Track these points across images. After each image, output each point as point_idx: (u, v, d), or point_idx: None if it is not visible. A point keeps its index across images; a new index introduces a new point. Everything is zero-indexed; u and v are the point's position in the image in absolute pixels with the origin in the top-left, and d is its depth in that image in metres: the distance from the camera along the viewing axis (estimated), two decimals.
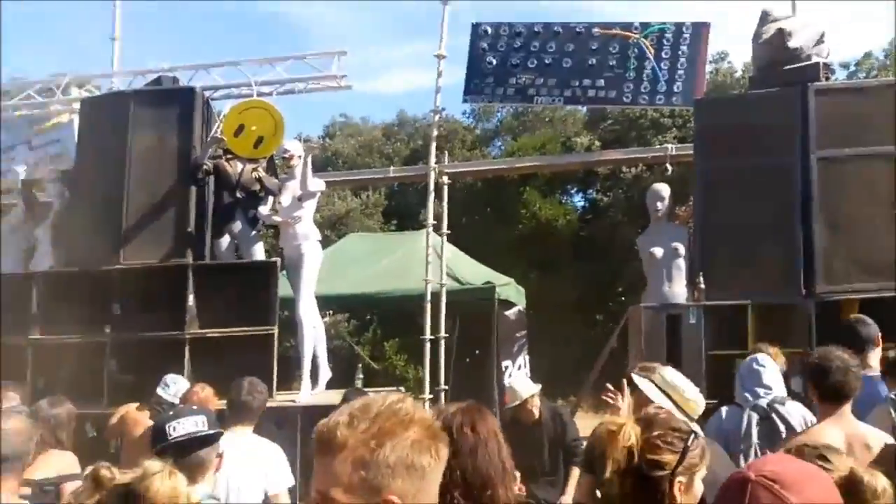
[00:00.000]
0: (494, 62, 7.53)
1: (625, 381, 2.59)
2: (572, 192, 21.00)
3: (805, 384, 3.22)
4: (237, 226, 6.34)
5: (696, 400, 2.46)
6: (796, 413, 3.09)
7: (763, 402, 3.31)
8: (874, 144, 5.74)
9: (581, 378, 9.11)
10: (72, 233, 6.29)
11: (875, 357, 3.62)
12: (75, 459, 3.44)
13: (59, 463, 3.36)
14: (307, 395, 5.87)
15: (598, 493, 1.77)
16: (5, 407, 2.08)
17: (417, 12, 42.04)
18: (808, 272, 5.68)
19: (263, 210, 6.34)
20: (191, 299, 5.79)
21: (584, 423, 5.29)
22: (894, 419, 3.03)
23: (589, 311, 17.26)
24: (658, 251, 6.68)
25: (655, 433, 1.64)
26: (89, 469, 1.67)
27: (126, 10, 8.31)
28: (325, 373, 6.22)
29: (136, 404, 4.49)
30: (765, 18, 6.40)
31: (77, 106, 7.16)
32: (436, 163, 7.82)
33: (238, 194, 6.29)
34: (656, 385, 2.44)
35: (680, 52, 7.27)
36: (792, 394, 3.64)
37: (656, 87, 7.30)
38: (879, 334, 3.80)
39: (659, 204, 6.91)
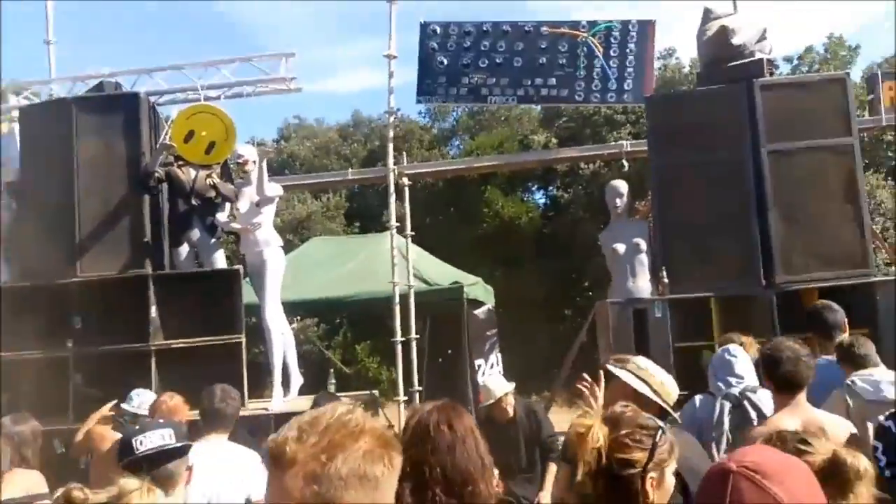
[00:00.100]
0: (446, 62, 7.55)
1: (601, 372, 2.63)
2: (533, 189, 21.17)
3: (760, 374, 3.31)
4: (195, 234, 6.24)
5: (671, 386, 2.51)
6: (767, 401, 3.18)
7: (735, 391, 3.40)
8: (821, 137, 5.91)
9: (552, 373, 9.23)
10: (24, 245, 6.11)
11: None
12: (42, 478, 3.34)
13: (25, 482, 3.26)
14: (279, 402, 5.81)
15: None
16: None
17: (362, 11, 41.74)
18: (766, 263, 5.82)
19: (221, 217, 6.26)
20: (153, 310, 5.68)
21: (559, 419, 5.36)
22: (848, 405, 3.14)
23: (556, 308, 17.37)
24: (620, 247, 6.80)
25: (623, 432, 1.65)
26: (60, 491, 1.61)
27: (59, 11, 8.04)
28: (297, 379, 6.17)
29: (98, 416, 4.38)
30: (707, 16, 6.51)
31: (16, 114, 6.95)
32: (394, 164, 7.81)
33: (194, 201, 6.19)
34: (633, 374, 2.48)
35: (628, 50, 7.43)
36: (763, 383, 3.76)
37: (607, 85, 7.44)
38: (846, 320, 3.93)
39: (618, 200, 7.05)
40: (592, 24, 7.51)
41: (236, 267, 6.14)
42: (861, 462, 1.52)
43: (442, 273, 9.17)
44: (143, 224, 6.05)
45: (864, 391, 3.21)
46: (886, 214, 15.92)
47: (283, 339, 6.08)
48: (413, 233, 7.98)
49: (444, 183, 18.42)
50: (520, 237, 18.46)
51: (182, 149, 6.11)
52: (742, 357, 3.52)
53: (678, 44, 21.88)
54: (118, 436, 3.33)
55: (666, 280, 5.99)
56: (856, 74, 16.99)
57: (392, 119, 7.85)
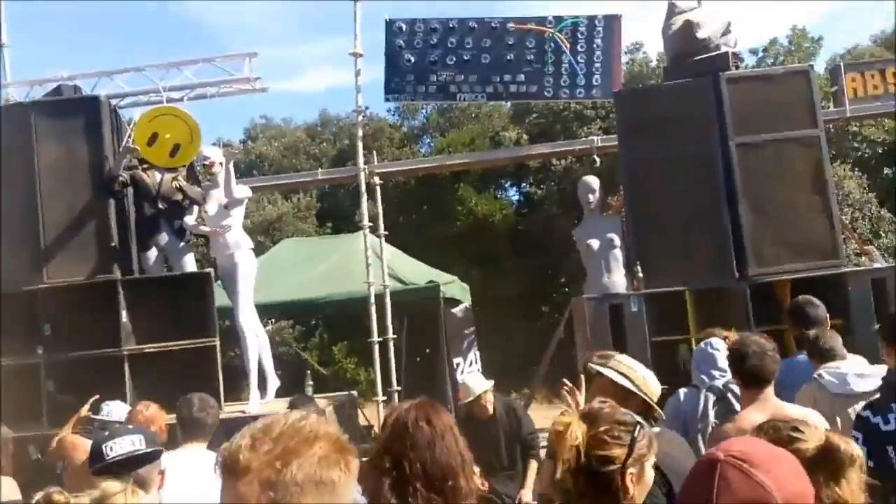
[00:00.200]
0: (413, 59, 7.51)
1: (582, 371, 2.63)
2: (506, 186, 21.22)
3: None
4: (163, 238, 6.16)
5: (653, 383, 2.52)
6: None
7: (719, 384, 3.44)
8: (787, 129, 5.98)
9: (530, 371, 9.27)
10: None
11: None
12: (14, 484, 3.26)
13: None
14: (257, 404, 5.76)
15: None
16: None
17: (325, 10, 41.42)
18: (738, 255, 5.88)
19: (189, 220, 6.20)
20: (124, 315, 5.62)
21: (539, 415, 5.39)
22: (815, 399, 3.17)
23: (533, 304, 17.41)
24: (594, 243, 6.84)
25: (602, 428, 1.65)
26: (39, 495, 1.58)
27: (11, 12, 7.79)
28: (273, 381, 6.13)
29: (74, 421, 4.31)
30: (672, 10, 6.55)
31: None
32: (365, 163, 7.75)
33: (160, 205, 6.11)
34: (616, 371, 2.49)
35: (595, 45, 7.46)
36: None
37: (575, 81, 7.47)
38: (827, 315, 3.97)
39: (590, 196, 7.08)
40: (559, 19, 7.53)
41: (207, 270, 6.08)
42: (853, 448, 1.54)
43: (417, 272, 9.14)
44: (110, 228, 5.95)
45: (831, 384, 3.24)
46: (854, 205, 16.14)
47: (257, 342, 6.03)
48: (386, 232, 7.93)
49: (416, 181, 18.36)
50: (494, 234, 18.48)
51: (146, 152, 6.00)
52: (724, 350, 3.54)
53: (645, 38, 22.07)
54: (90, 443, 3.27)
55: (641, 275, 6.02)
56: (819, 66, 17.32)
57: (361, 118, 7.78)
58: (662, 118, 6.15)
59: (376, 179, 8.18)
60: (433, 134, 22.69)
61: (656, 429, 2.21)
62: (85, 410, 4.36)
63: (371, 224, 7.55)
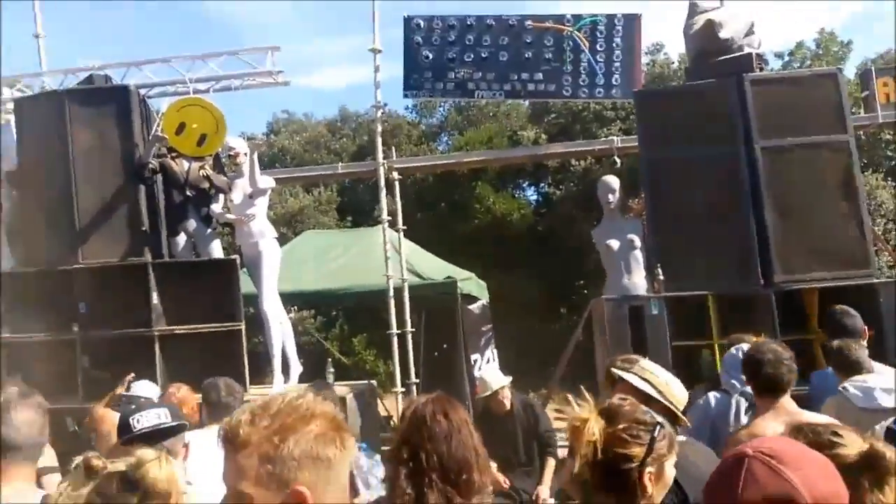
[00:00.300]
0: (431, 56, 7.53)
1: (605, 376, 2.57)
2: (524, 185, 21.14)
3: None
4: (192, 224, 6.31)
5: (678, 389, 2.46)
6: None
7: (749, 389, 3.31)
8: (815, 134, 5.80)
9: (547, 371, 9.24)
10: (26, 233, 6.20)
11: None
12: (52, 452, 3.37)
13: None
14: (280, 388, 5.85)
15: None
16: (12, 396, 2.04)
17: (344, 8, 41.51)
18: (764, 261, 5.70)
19: (216, 208, 6.33)
20: (154, 297, 5.75)
21: (555, 416, 5.39)
22: (841, 413, 3.00)
23: (551, 305, 17.27)
24: (614, 243, 6.83)
25: (621, 426, 1.66)
26: (78, 459, 1.66)
27: (48, 6, 8.07)
28: (296, 367, 6.23)
29: (108, 399, 4.44)
30: (693, 10, 6.42)
31: (11, 106, 6.97)
32: (384, 158, 7.83)
33: (188, 192, 6.26)
34: (639, 376, 2.44)
35: (614, 45, 7.39)
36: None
37: (595, 80, 7.43)
38: (865, 328, 3.87)
39: (610, 196, 7.07)
40: (577, 18, 7.49)
41: (233, 257, 6.18)
42: None
43: (435, 268, 9.19)
44: (141, 213, 6.11)
45: (856, 398, 3.15)
46: (887, 216, 15.51)
47: (281, 328, 6.15)
48: (405, 227, 8.01)
49: (435, 178, 18.39)
50: (512, 234, 18.39)
51: (174, 140, 6.16)
52: None
53: (666, 39, 21.88)
54: (117, 416, 3.38)
55: (661, 277, 5.89)
56: (849, 71, 16.81)
57: (379, 113, 7.86)
58: (684, 119, 6.02)
59: (395, 175, 8.26)
60: (451, 132, 22.70)
61: (682, 437, 2.16)
62: (120, 389, 4.47)
63: (390, 218, 7.64)
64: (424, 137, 22.39)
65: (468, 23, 7.54)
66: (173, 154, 6.25)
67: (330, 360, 10.48)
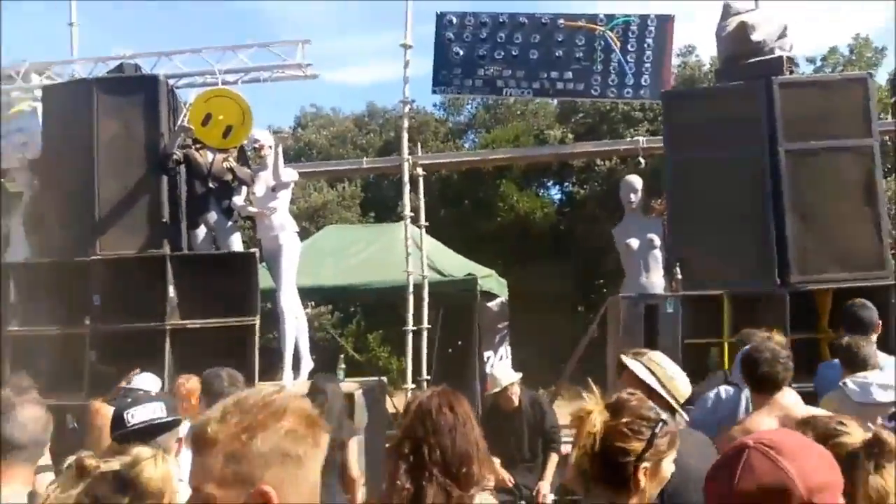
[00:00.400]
0: (461, 53, 7.53)
1: (616, 365, 2.67)
2: (549, 185, 21.08)
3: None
4: (212, 216, 6.29)
5: (681, 383, 2.51)
6: (790, 393, 3.19)
7: None
8: (840, 138, 5.83)
9: (561, 368, 9.21)
10: (45, 222, 6.19)
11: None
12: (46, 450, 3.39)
13: None
14: (289, 383, 5.85)
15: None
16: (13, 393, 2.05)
17: (375, 7, 41.71)
18: (781, 262, 5.76)
19: (238, 200, 6.32)
20: (171, 290, 5.74)
21: (564, 412, 5.38)
22: (840, 407, 3.05)
23: (569, 303, 17.25)
24: (634, 242, 6.80)
25: (623, 420, 1.68)
26: (71, 459, 1.64)
27: None
28: (307, 362, 6.23)
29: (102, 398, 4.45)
30: (727, 12, 6.41)
31: (39, 93, 7.00)
32: (409, 154, 7.83)
33: (211, 184, 6.23)
34: (644, 365, 2.51)
35: (646, 45, 7.33)
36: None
37: (624, 80, 7.37)
38: (879, 322, 3.94)
39: (632, 195, 7.03)
40: (610, 17, 7.45)
41: (252, 250, 6.19)
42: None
43: (456, 265, 9.19)
44: (161, 205, 6.09)
45: (853, 393, 3.21)
46: None
47: (296, 323, 6.15)
48: (427, 223, 8.01)
49: (459, 176, 18.39)
50: (535, 232, 18.39)
51: (200, 132, 6.16)
52: None
53: (698, 41, 21.62)
54: (111, 410, 3.40)
55: (679, 276, 5.94)
56: (881, 76, 16.60)
57: (407, 108, 7.87)
58: (710, 120, 6.05)
59: (420, 171, 8.26)
60: (478, 130, 22.69)
61: (681, 425, 2.22)
62: (124, 383, 4.46)
63: (412, 214, 7.64)
64: (451, 135, 22.40)
65: (500, 20, 7.54)
66: (198, 145, 6.26)
67: (342, 356, 10.53)
